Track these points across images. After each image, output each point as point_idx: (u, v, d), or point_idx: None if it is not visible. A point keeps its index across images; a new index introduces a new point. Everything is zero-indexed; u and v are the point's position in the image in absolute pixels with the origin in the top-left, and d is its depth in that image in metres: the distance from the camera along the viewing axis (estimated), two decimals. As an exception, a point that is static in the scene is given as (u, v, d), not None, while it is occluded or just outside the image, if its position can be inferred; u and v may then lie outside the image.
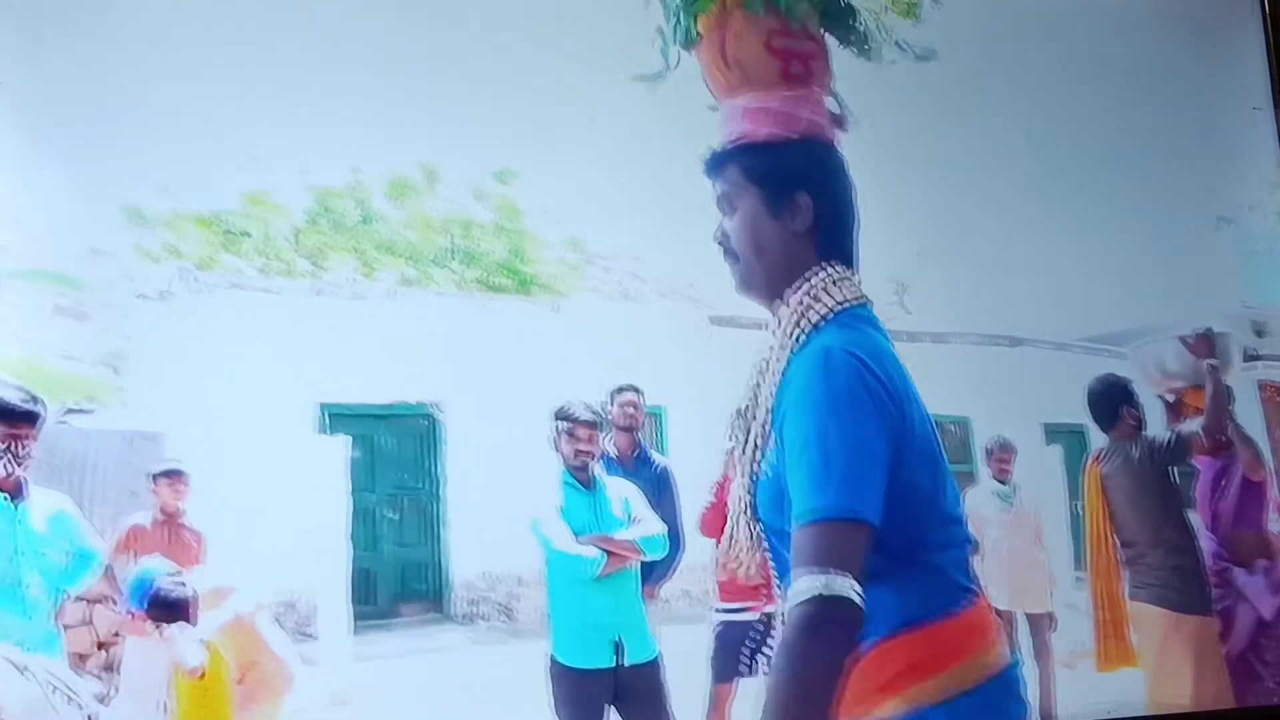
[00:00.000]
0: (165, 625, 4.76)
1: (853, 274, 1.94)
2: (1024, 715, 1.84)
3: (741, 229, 1.96)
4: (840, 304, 1.88)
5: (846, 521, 1.63)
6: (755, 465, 1.90)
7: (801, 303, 1.88)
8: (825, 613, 1.56)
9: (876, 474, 1.68)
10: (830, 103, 2.06)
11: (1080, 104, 8.57)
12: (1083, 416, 4.88)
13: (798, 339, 1.86)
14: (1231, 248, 9.83)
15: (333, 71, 7.62)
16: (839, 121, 2.06)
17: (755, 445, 1.89)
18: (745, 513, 1.90)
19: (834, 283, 1.92)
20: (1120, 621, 4.50)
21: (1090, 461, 4.55)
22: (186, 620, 4.78)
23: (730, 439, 1.99)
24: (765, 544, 1.91)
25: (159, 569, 4.96)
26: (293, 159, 9.58)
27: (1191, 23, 6.63)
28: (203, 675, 4.63)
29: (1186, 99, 8.47)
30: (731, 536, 1.95)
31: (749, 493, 1.90)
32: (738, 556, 1.94)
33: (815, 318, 1.86)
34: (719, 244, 2.02)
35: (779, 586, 1.89)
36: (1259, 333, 4.42)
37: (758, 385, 1.95)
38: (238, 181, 8.70)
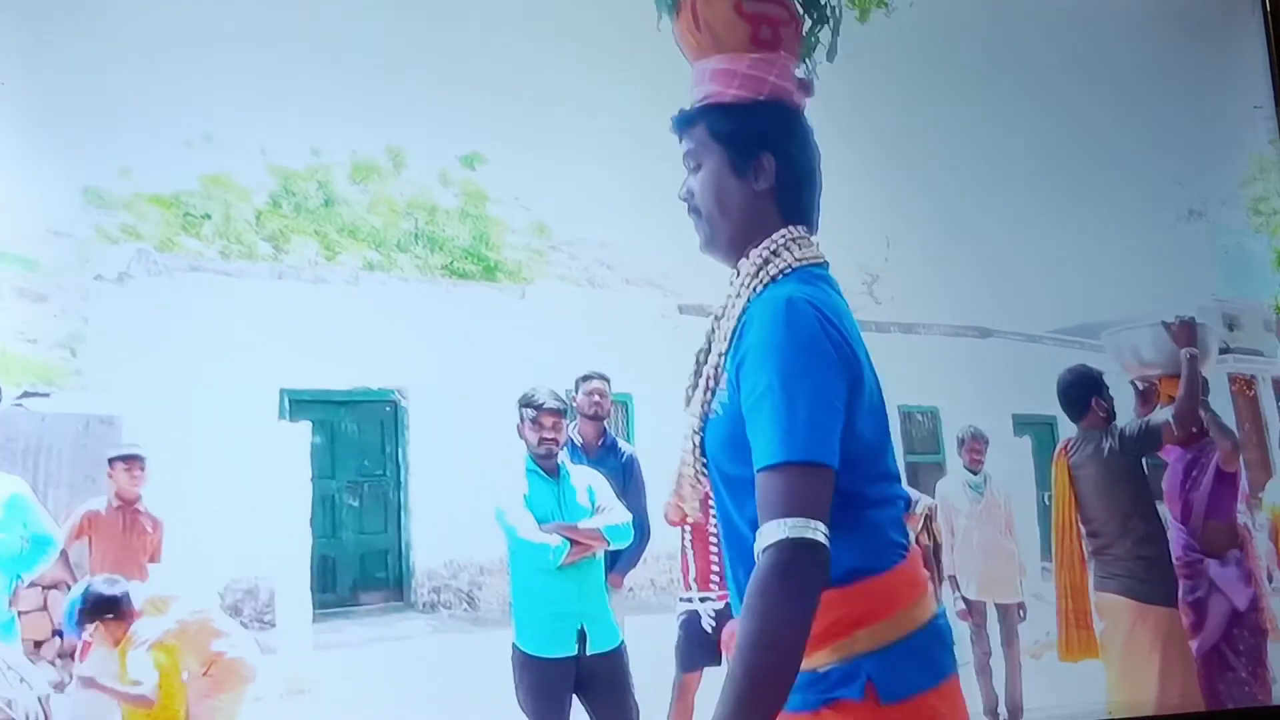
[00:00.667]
0: (107, 624, 4.68)
1: (812, 237, 1.98)
2: (952, 665, 1.87)
3: (705, 186, 1.98)
4: (800, 260, 1.91)
5: (812, 465, 1.64)
6: (706, 405, 1.89)
7: (762, 255, 1.91)
8: (796, 556, 1.58)
9: (836, 421, 1.71)
10: (798, 69, 2.08)
11: (1060, 100, 8.62)
12: (1052, 408, 4.91)
13: (755, 289, 1.88)
14: (1203, 241, 9.93)
15: (296, 52, 7.56)
16: (805, 87, 2.07)
17: (708, 385, 1.89)
18: (693, 450, 1.91)
19: (794, 241, 1.93)
20: (1084, 612, 4.52)
21: (1059, 451, 4.57)
22: (123, 618, 4.71)
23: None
24: (706, 483, 1.93)
25: (90, 583, 4.88)
26: (254, 140, 9.51)
27: (1191, 22, 6.66)
28: (153, 706, 4.56)
29: (1175, 96, 8.53)
30: (679, 473, 1.97)
31: (698, 431, 1.90)
32: (682, 494, 1.97)
33: (775, 270, 1.88)
34: (683, 200, 2.04)
35: (714, 538, 1.94)
36: (1230, 326, 4.45)
37: (712, 329, 1.96)
38: (198, 163, 8.62)
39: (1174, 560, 4.48)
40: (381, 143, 10.29)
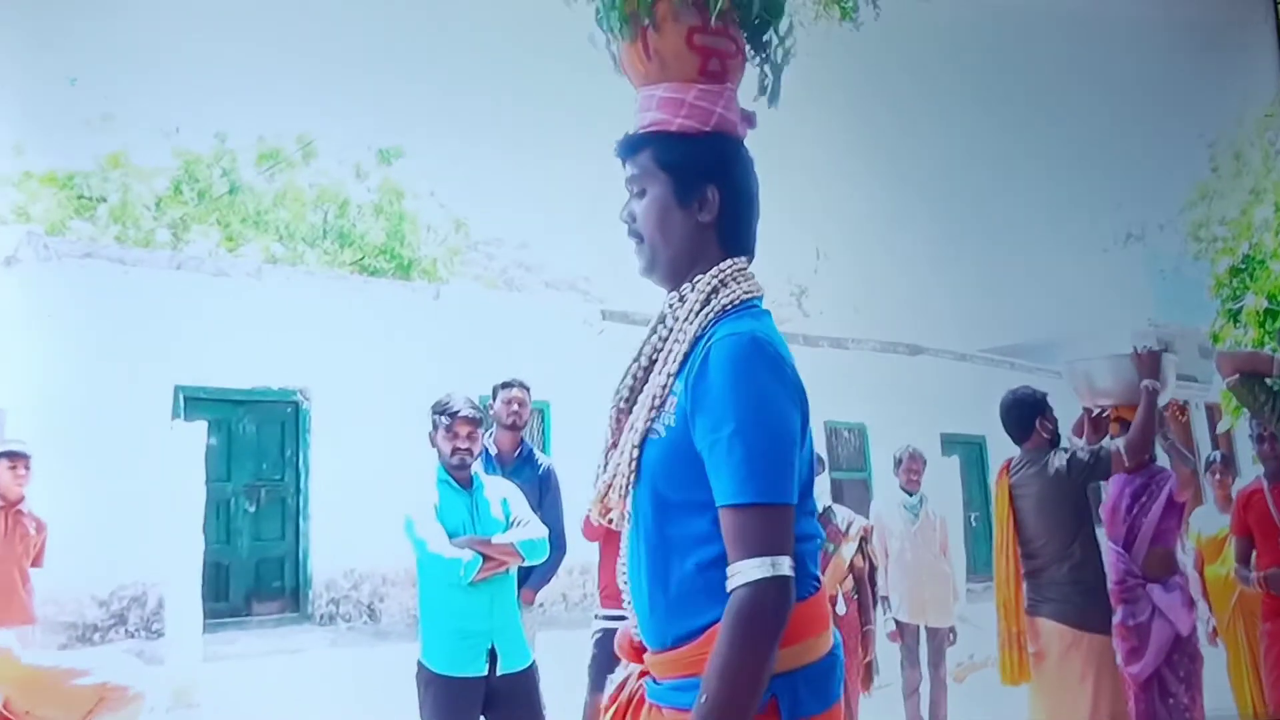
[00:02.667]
0: None
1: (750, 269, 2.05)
2: (839, 692, 1.97)
3: (649, 213, 2.01)
4: (747, 294, 1.99)
5: (779, 506, 1.78)
6: (649, 422, 1.94)
7: (710, 284, 1.95)
8: (769, 593, 1.73)
9: (796, 460, 1.86)
10: (741, 101, 2.13)
11: (1001, 118, 8.74)
12: (981, 427, 4.94)
13: (707, 317, 1.96)
14: (1141, 265, 10.13)
15: (207, 32, 7.40)
16: (749, 119, 2.13)
17: (653, 404, 1.93)
18: (630, 463, 1.95)
19: (740, 272, 1.99)
20: (1021, 633, 4.58)
21: (1001, 471, 4.60)
22: None
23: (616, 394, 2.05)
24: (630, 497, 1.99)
25: None
26: (155, 121, 9.30)
27: (1197, 29, 6.75)
28: None
29: (1118, 120, 8.66)
30: (610, 482, 2.00)
31: (635, 446, 1.94)
32: (608, 502, 2.00)
33: (725, 301, 1.94)
34: (625, 223, 2.08)
35: (630, 541, 1.96)
36: (1164, 350, 4.55)
37: (653, 346, 2.00)
38: (95, 142, 8.42)
39: (1113, 585, 4.53)
40: (293, 130, 10.14)
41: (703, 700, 1.71)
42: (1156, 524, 4.50)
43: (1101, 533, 4.52)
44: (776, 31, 2.20)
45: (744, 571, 1.73)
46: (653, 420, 1.92)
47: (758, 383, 1.82)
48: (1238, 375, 4.17)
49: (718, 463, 1.78)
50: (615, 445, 1.99)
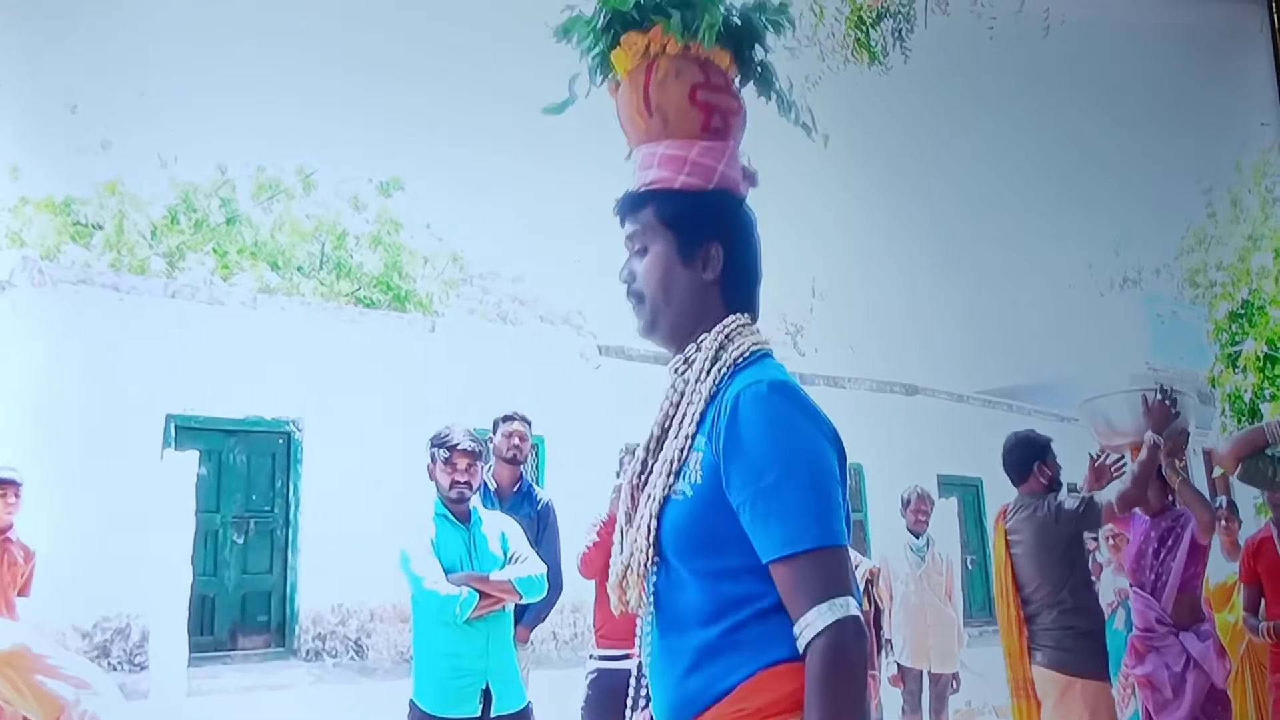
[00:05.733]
0: None
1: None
2: None
3: (651, 271, 1.98)
4: (755, 345, 1.93)
5: (835, 548, 1.73)
6: (666, 490, 1.87)
7: (716, 340, 1.92)
8: (850, 630, 1.68)
9: (841, 499, 1.80)
10: (744, 159, 2.11)
11: (998, 160, 8.75)
12: (979, 469, 4.91)
13: (721, 372, 1.89)
14: (1137, 309, 10.14)
15: (207, 63, 7.39)
16: (750, 177, 2.11)
17: (669, 471, 1.88)
18: (648, 536, 1.89)
19: (745, 326, 1.96)
20: (1029, 682, 4.56)
21: (998, 516, 4.57)
22: None
23: (620, 473, 1.99)
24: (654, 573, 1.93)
25: None
26: (153, 149, 9.29)
27: (1193, 75, 6.78)
28: None
29: (1111, 163, 8.69)
30: (628, 564, 1.94)
31: (654, 516, 1.87)
32: (626, 583, 1.94)
33: (736, 354, 1.90)
34: (624, 283, 2.04)
35: (648, 623, 1.90)
36: (1179, 393, 4.53)
37: (669, 416, 1.94)
38: (93, 169, 8.38)
39: (1139, 632, 4.52)
40: (292, 161, 10.13)
41: None
42: (1183, 569, 4.49)
43: (1118, 576, 4.51)
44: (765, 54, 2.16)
45: (812, 623, 1.68)
46: (672, 485, 1.86)
47: (794, 426, 1.78)
48: (1240, 464, 4.11)
49: (764, 514, 1.74)
50: (631, 523, 1.95)
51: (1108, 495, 4.32)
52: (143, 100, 6.92)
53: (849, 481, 1.89)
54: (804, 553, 1.71)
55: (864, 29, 5.51)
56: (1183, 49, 6.24)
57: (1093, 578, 4.40)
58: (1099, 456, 4.68)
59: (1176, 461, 4.64)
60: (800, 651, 1.69)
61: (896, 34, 5.68)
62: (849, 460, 1.87)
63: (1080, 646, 4.29)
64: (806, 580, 1.70)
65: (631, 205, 2.00)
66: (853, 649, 1.68)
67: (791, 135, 2.16)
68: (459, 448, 3.95)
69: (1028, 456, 4.43)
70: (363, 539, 6.97)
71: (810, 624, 1.68)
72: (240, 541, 8.12)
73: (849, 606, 1.68)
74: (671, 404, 1.94)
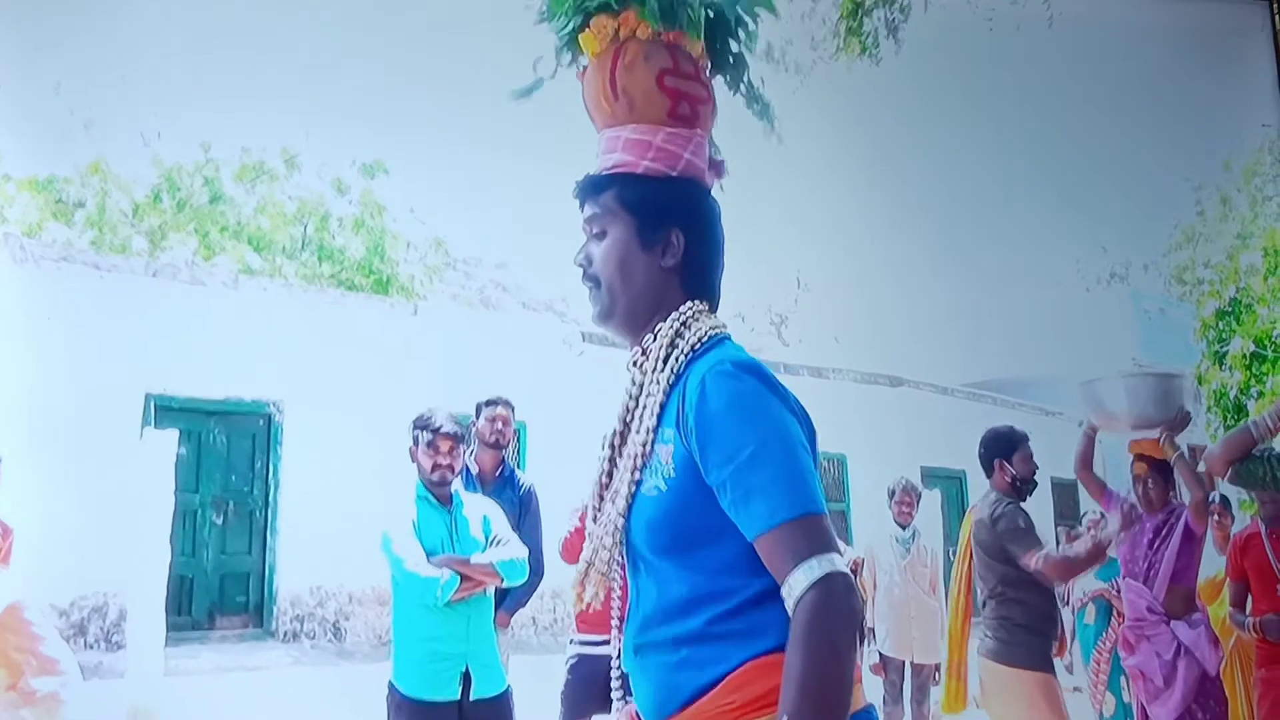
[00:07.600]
0: None
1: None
2: None
3: (609, 255, 1.95)
4: (713, 329, 1.90)
5: (817, 515, 1.70)
6: (632, 486, 1.85)
7: (673, 328, 1.89)
8: (839, 583, 1.64)
9: (814, 468, 1.80)
10: (711, 148, 2.08)
11: (986, 151, 8.77)
12: (962, 462, 4.93)
13: (679, 360, 1.89)
14: (1125, 305, 10.18)
15: (192, 42, 7.34)
16: (717, 168, 2.07)
17: (634, 466, 1.85)
18: (613, 535, 1.88)
19: (702, 312, 1.93)
20: (963, 664, 4.63)
21: (973, 506, 4.65)
22: None
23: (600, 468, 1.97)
24: (622, 572, 1.92)
25: None
26: (136, 129, 9.23)
27: (1186, 73, 6.79)
28: None
29: (1102, 160, 8.71)
30: (591, 562, 1.93)
31: (621, 514, 1.88)
32: (586, 580, 1.93)
33: (694, 339, 1.88)
34: (580, 266, 2.01)
35: (628, 617, 1.89)
36: (1178, 376, 4.57)
37: (629, 410, 1.92)
38: (76, 148, 8.33)
39: (1130, 622, 4.56)
40: (275, 143, 10.08)
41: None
42: (1175, 559, 4.52)
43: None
44: (744, 50, 2.14)
45: (799, 579, 1.63)
46: (639, 480, 1.84)
47: (763, 401, 1.76)
48: (1231, 468, 4.11)
49: (745, 490, 1.71)
50: (597, 520, 1.93)
51: (1041, 547, 4.34)
52: (126, 80, 6.86)
53: (831, 472, 1.87)
54: (786, 521, 1.67)
55: (857, 18, 5.52)
56: (1182, 48, 6.26)
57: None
58: (1117, 434, 4.73)
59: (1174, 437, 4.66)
60: (790, 616, 1.64)
61: (889, 25, 5.70)
62: (832, 451, 1.85)
63: (1014, 639, 4.36)
64: (791, 544, 1.66)
65: (592, 188, 1.98)
66: (842, 601, 1.62)
67: (779, 127, 2.14)
68: (442, 431, 3.94)
69: (990, 453, 4.51)
70: (342, 522, 6.96)
71: (798, 581, 1.63)
72: (219, 522, 8.09)
73: (835, 563, 1.63)
74: (631, 397, 1.91)
